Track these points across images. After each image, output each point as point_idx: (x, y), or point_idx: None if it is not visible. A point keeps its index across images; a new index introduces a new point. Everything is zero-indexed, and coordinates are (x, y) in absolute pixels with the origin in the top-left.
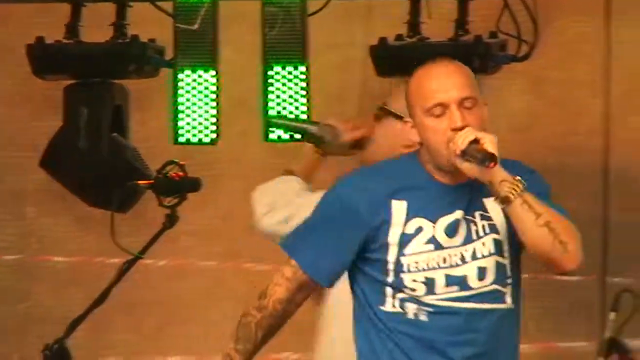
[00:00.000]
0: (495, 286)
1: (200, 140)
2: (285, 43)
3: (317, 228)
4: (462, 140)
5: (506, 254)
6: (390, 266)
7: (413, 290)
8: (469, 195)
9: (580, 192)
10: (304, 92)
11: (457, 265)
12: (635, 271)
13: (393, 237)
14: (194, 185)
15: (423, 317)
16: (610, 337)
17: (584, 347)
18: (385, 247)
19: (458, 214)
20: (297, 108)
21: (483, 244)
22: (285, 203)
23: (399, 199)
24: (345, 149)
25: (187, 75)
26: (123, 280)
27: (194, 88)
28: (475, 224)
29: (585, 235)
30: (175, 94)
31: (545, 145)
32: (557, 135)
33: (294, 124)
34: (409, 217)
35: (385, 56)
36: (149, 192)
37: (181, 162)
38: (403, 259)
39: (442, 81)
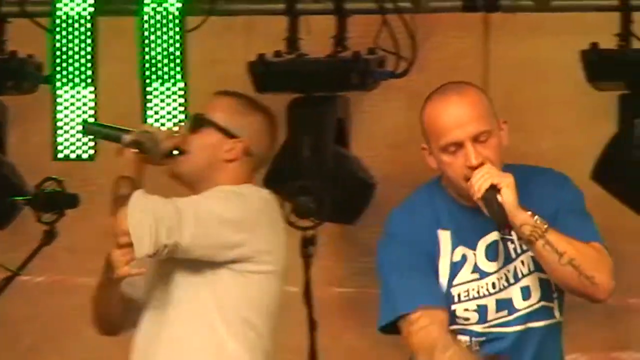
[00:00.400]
0: (543, 303)
1: (79, 156)
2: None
3: (402, 274)
4: (478, 187)
5: None
6: None
7: (466, 319)
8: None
9: None
10: (182, 109)
11: (504, 287)
12: None
13: (443, 268)
14: (72, 201)
15: (475, 347)
16: None
17: None
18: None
19: (494, 234)
20: (175, 124)
21: (522, 262)
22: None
23: (444, 229)
24: (161, 157)
25: (66, 92)
26: (1, 297)
27: (72, 104)
28: (513, 242)
29: None
30: (54, 110)
31: (423, 162)
32: None
33: (107, 131)
34: (454, 246)
35: (263, 72)
36: (28, 208)
37: (60, 179)
38: (453, 290)
39: (455, 118)
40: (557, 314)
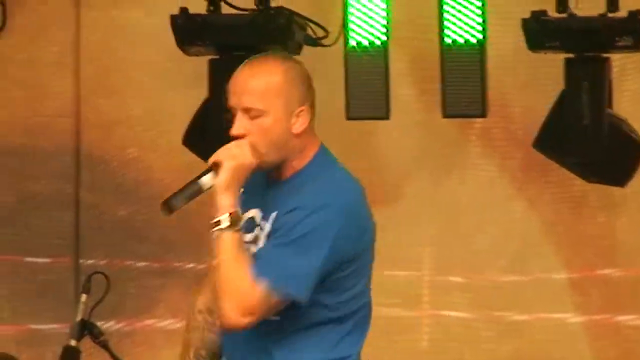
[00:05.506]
0: None
1: None
2: None
3: None
4: (211, 159)
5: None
6: None
7: None
8: (276, 194)
9: (52, 174)
10: None
11: None
12: (105, 253)
13: None
14: None
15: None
16: (82, 319)
17: (58, 330)
18: None
19: (252, 212)
20: None
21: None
22: None
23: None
24: None
25: None
26: None
27: None
28: (261, 228)
29: (58, 217)
30: None
31: (13, 127)
32: (25, 117)
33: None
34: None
35: None
36: None
37: None
38: None
39: (235, 85)
40: None
